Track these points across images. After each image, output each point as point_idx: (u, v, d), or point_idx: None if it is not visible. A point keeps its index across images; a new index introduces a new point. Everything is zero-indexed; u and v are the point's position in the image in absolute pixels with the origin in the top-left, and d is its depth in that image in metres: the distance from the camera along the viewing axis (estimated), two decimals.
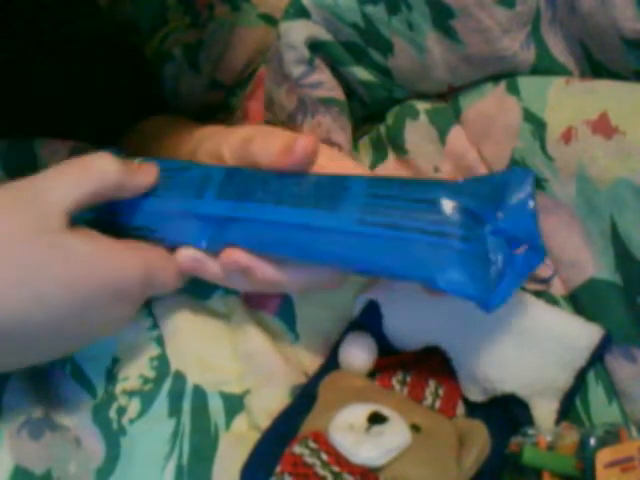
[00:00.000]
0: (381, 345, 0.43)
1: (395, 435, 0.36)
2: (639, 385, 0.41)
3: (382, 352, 0.43)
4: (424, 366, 0.43)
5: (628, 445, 0.36)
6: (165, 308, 0.46)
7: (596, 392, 0.43)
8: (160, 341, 0.45)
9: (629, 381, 0.42)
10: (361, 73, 0.54)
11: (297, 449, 0.36)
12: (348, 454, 0.36)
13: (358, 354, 0.43)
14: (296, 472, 0.36)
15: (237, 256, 0.41)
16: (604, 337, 0.42)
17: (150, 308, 0.46)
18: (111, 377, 0.44)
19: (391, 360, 0.43)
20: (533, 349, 0.42)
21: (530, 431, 0.40)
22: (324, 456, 0.36)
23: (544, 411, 0.41)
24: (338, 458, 0.36)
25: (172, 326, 0.45)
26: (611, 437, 0.37)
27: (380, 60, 0.52)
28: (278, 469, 0.36)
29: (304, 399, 0.42)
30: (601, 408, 0.42)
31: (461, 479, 0.37)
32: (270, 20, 0.56)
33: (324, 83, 0.52)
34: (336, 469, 0.35)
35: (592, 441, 0.37)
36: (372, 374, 0.43)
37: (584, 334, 0.42)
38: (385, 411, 0.37)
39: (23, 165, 0.49)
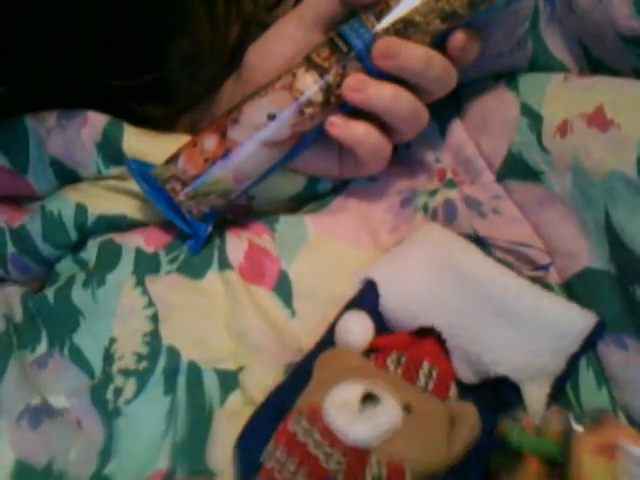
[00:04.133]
0: (376, 324, 0.44)
1: (387, 417, 0.37)
2: (628, 372, 0.42)
3: (377, 332, 0.44)
4: (418, 347, 0.43)
5: (609, 432, 0.37)
6: (160, 286, 0.47)
7: (587, 378, 0.43)
8: (155, 318, 0.46)
9: (619, 368, 0.42)
10: None
11: (291, 426, 0.37)
12: (341, 433, 0.36)
13: (354, 333, 0.43)
14: (289, 449, 0.36)
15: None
16: (597, 324, 0.42)
17: (144, 287, 0.47)
18: (108, 357, 0.45)
19: (386, 340, 0.44)
20: (527, 334, 0.42)
21: (518, 413, 0.40)
22: (317, 435, 0.37)
23: (535, 394, 0.42)
24: (331, 436, 0.36)
25: (167, 303, 0.46)
26: (596, 424, 0.38)
27: None
28: (272, 443, 0.37)
29: (299, 375, 0.42)
30: (591, 393, 0.43)
31: (450, 460, 0.37)
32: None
33: None
34: (328, 450, 0.36)
35: (577, 428, 0.38)
36: (367, 353, 0.43)
37: (578, 321, 0.42)
38: (379, 391, 0.38)
39: (15, 140, 0.50)
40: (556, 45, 0.49)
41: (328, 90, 0.45)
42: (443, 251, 0.45)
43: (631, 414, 0.42)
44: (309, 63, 0.45)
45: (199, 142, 0.47)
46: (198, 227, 0.48)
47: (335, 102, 0.45)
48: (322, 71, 0.45)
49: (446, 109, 0.52)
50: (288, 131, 0.46)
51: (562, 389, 0.43)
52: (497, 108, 0.50)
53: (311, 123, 0.46)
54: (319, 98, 0.45)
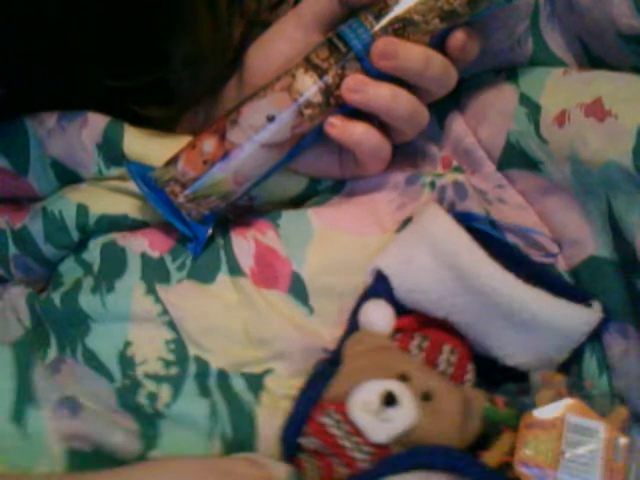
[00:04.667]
0: (395, 307, 0.45)
1: (403, 420, 0.40)
2: (627, 361, 0.43)
3: (397, 313, 0.45)
4: (439, 326, 0.45)
5: (555, 406, 0.40)
6: (174, 295, 0.47)
7: (589, 365, 0.45)
8: (173, 326, 0.46)
9: (619, 357, 0.44)
10: None
11: (323, 419, 0.40)
12: (363, 433, 0.40)
13: (377, 322, 0.44)
14: (323, 439, 0.40)
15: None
16: (602, 320, 0.44)
17: (157, 295, 0.47)
18: (125, 360, 0.45)
19: (407, 320, 0.45)
20: (533, 337, 0.43)
21: (511, 387, 0.44)
22: (345, 427, 0.40)
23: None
24: (357, 430, 0.40)
25: (183, 312, 0.46)
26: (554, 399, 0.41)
27: None
28: (306, 430, 0.41)
29: (333, 364, 0.44)
30: (592, 380, 0.44)
31: (461, 445, 0.41)
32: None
33: None
34: (356, 439, 0.40)
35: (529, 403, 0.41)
36: (391, 334, 0.45)
37: (583, 322, 0.43)
38: (399, 390, 0.40)
39: (15, 141, 0.50)
40: (556, 43, 0.49)
41: (327, 91, 0.45)
42: (449, 254, 0.44)
43: (627, 404, 0.43)
44: (308, 64, 0.46)
45: (198, 144, 0.47)
46: (198, 229, 0.48)
47: (335, 103, 0.46)
48: (321, 72, 0.45)
49: (444, 101, 0.52)
50: (287, 133, 0.46)
51: (567, 371, 0.45)
52: (496, 99, 0.50)
53: (311, 124, 0.46)
54: (318, 99, 0.45)
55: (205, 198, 0.47)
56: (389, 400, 0.40)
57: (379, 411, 0.40)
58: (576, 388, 0.41)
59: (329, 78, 0.45)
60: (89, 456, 0.42)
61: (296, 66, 0.46)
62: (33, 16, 0.44)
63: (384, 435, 0.39)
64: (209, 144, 0.46)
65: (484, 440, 0.41)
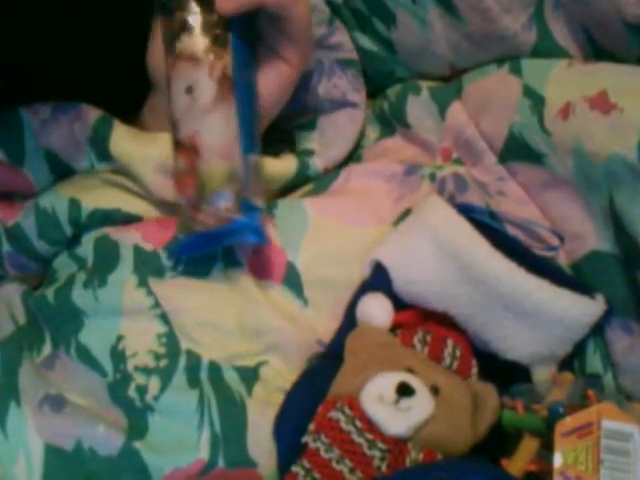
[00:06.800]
0: (393, 301, 0.45)
1: (422, 409, 0.39)
2: (632, 357, 0.43)
3: (395, 308, 0.45)
4: (439, 321, 0.44)
5: (588, 412, 0.38)
6: (167, 289, 0.46)
7: (593, 361, 0.45)
8: (165, 319, 0.45)
9: (623, 353, 0.43)
10: (364, 41, 0.54)
11: (334, 414, 0.39)
12: (380, 427, 0.39)
13: (376, 317, 0.44)
14: (333, 435, 0.39)
15: None
16: (605, 313, 0.43)
17: (149, 288, 0.46)
18: (117, 354, 0.44)
19: (407, 316, 0.45)
20: (536, 328, 0.43)
21: (519, 388, 0.43)
22: (358, 423, 0.39)
23: (542, 375, 0.44)
24: (370, 426, 0.39)
25: (174, 304, 0.46)
26: (579, 406, 0.39)
27: (383, 31, 0.53)
28: (313, 428, 0.39)
29: (328, 359, 0.44)
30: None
31: (475, 440, 0.40)
32: None
33: (343, 45, 0.53)
34: (370, 436, 0.38)
35: (560, 409, 0.39)
36: (391, 329, 0.44)
37: (586, 313, 0.43)
38: (412, 381, 0.40)
39: (10, 132, 0.49)
40: (560, 32, 0.49)
41: (206, 26, 0.44)
42: (450, 244, 0.44)
43: (634, 400, 0.43)
44: (171, 37, 0.45)
45: (177, 177, 0.46)
46: (244, 221, 0.44)
47: (222, 30, 0.45)
48: (181, 25, 0.44)
49: (446, 92, 0.52)
50: (212, 83, 0.45)
51: (568, 364, 0.45)
52: (499, 90, 0.50)
53: (223, 60, 0.45)
54: (206, 41, 0.45)
55: (219, 194, 0.44)
56: (404, 391, 0.39)
57: (397, 402, 0.39)
58: (596, 386, 0.41)
59: (194, 18, 0.44)
60: (69, 454, 0.41)
61: (169, 48, 0.45)
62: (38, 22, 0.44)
63: (403, 426, 0.38)
64: (179, 161, 0.45)
65: (502, 444, 0.41)
